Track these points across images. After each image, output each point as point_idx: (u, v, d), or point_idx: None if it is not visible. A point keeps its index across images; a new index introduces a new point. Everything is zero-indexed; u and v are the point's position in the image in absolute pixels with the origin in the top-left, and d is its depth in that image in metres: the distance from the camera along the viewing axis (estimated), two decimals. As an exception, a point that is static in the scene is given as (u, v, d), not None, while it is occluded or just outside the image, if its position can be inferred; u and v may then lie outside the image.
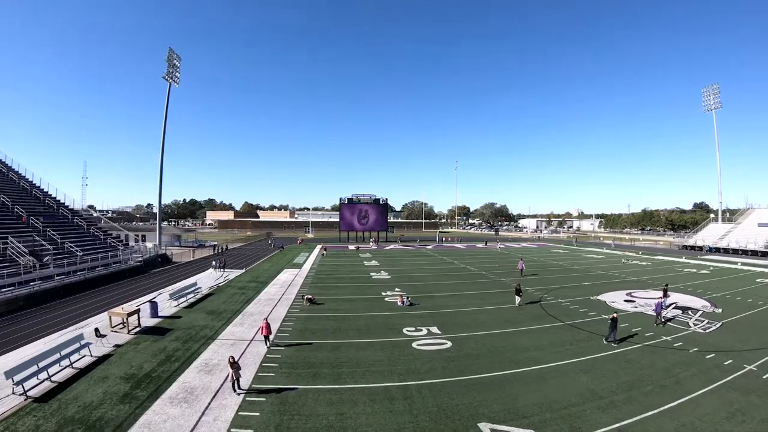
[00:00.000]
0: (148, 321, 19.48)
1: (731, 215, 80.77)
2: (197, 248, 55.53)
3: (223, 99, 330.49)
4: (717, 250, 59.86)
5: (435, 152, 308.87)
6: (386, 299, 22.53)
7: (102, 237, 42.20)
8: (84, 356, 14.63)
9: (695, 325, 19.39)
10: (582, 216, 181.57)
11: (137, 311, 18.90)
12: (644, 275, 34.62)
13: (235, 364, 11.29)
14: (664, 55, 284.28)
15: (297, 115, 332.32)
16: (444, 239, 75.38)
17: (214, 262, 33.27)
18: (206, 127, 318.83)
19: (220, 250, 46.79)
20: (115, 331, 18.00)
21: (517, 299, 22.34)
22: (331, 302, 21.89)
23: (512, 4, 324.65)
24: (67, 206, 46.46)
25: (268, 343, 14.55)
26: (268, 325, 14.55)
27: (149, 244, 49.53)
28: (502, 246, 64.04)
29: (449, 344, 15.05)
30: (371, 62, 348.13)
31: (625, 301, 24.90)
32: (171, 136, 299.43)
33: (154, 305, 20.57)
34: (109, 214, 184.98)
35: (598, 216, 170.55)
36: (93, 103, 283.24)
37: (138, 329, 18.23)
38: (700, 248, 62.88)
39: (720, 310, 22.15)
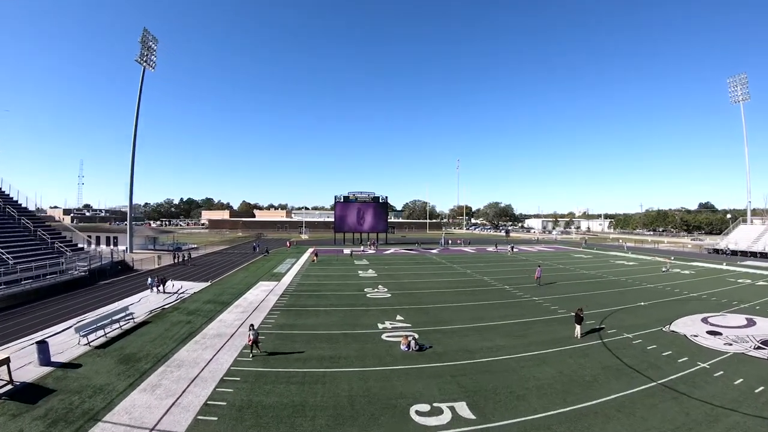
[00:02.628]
0: (31, 371, 13.05)
1: (752, 216, 74.58)
2: (173, 252, 48.88)
3: (223, 97, 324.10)
4: (752, 255, 53.34)
5: (435, 151, 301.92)
6: (384, 337, 15.68)
7: (49, 241, 35.52)
8: None
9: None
10: (589, 216, 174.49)
11: (5, 361, 12.33)
12: (699, 289, 28.24)
13: None
14: (664, 55, 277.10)
15: (297, 113, 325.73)
16: (449, 242, 68.34)
17: (150, 280, 25.09)
18: (207, 126, 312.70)
19: (182, 258, 38.45)
20: (-25, 390, 11.51)
21: (578, 329, 16.43)
22: (303, 342, 15.09)
23: (517, 1, 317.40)
24: (20, 204, 40.05)
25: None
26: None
27: (106, 248, 42.32)
28: (516, 249, 57.23)
29: (496, 451, 8.30)
30: (372, 61, 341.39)
31: (708, 333, 18.34)
32: (173, 134, 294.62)
33: (43, 347, 13.92)
34: (103, 214, 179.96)
35: (607, 216, 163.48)
36: (89, 100, 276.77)
37: (7, 388, 11.75)
38: (734, 252, 56.41)
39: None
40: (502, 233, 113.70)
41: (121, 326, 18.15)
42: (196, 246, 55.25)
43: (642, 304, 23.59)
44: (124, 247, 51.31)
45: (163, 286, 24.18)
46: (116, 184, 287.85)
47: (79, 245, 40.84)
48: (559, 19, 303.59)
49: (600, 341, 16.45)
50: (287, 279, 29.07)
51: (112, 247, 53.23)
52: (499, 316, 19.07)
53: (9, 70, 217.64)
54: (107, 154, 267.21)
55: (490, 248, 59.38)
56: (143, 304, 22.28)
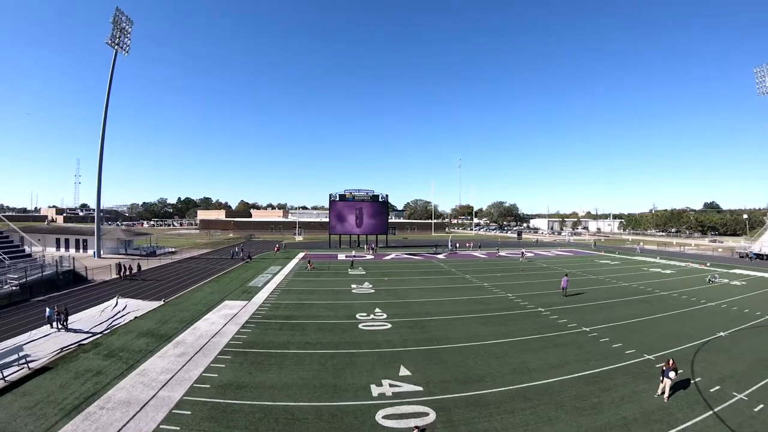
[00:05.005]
0: None
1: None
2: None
3: (225, 96, 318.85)
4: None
5: (434, 149, 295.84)
6: (381, 418, 9.56)
7: (-13, 246, 29.92)
8: None
9: None
10: (597, 216, 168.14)
11: None
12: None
13: None
14: (661, 54, 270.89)
15: (296, 112, 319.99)
16: (457, 245, 61.92)
17: (48, 311, 17.17)
18: (206, 124, 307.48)
19: (128, 271, 29.58)
20: None
21: (665, 385, 11.23)
22: (245, 429, 9.25)
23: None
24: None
25: None
26: None
27: (63, 253, 35.04)
28: (531, 254, 51.23)
29: None
30: (372, 59, 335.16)
31: None
32: (174, 134, 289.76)
33: None
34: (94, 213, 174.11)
35: (616, 216, 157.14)
36: (90, 98, 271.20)
37: None
38: (759, 256, 51.22)
39: None
40: (509, 234, 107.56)
41: (4, 377, 12.51)
42: (173, 249, 49.53)
43: (722, 334, 17.91)
44: (92, 252, 45.81)
45: (66, 320, 16.98)
46: (116, 184, 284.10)
47: (27, 251, 35.20)
48: (566, 15, 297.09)
49: (709, 411, 10.78)
50: (261, 297, 23.15)
51: (72, 252, 47.56)
52: (549, 364, 13.17)
53: (11, 69, 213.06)
54: (109, 153, 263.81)
55: (502, 252, 53.39)
56: (60, 336, 16.57)
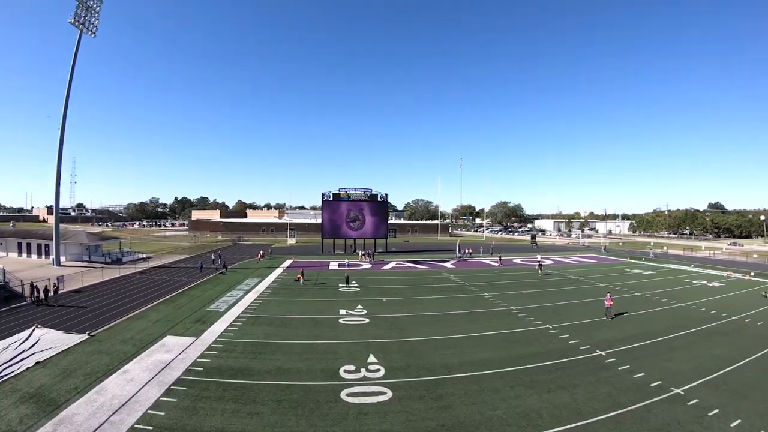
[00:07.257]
0: None
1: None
2: (108, 266, 37.67)
3: (228, 94, 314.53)
4: None
5: (430, 148, 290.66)
6: None
7: None
8: None
9: None
10: (607, 217, 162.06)
11: None
12: None
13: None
14: (649, 53, 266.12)
15: (296, 110, 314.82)
16: (465, 251, 55.38)
17: None
18: (206, 123, 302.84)
19: (42, 294, 21.96)
20: None
21: None
22: None
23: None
24: None
25: None
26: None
27: (8, 257, 28.58)
28: (550, 261, 45.36)
29: None
30: (374, 58, 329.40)
31: None
32: (177, 133, 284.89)
33: None
34: (88, 213, 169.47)
35: (625, 217, 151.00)
36: (96, 97, 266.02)
37: None
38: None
39: None
40: (517, 237, 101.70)
41: None
42: (145, 256, 43.95)
43: None
44: (52, 259, 40.27)
45: None
46: (117, 184, 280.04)
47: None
48: (572, 14, 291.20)
49: None
50: (216, 329, 17.35)
51: (33, 258, 42.07)
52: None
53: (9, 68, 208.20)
54: (111, 152, 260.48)
55: (517, 260, 47.49)
56: None
